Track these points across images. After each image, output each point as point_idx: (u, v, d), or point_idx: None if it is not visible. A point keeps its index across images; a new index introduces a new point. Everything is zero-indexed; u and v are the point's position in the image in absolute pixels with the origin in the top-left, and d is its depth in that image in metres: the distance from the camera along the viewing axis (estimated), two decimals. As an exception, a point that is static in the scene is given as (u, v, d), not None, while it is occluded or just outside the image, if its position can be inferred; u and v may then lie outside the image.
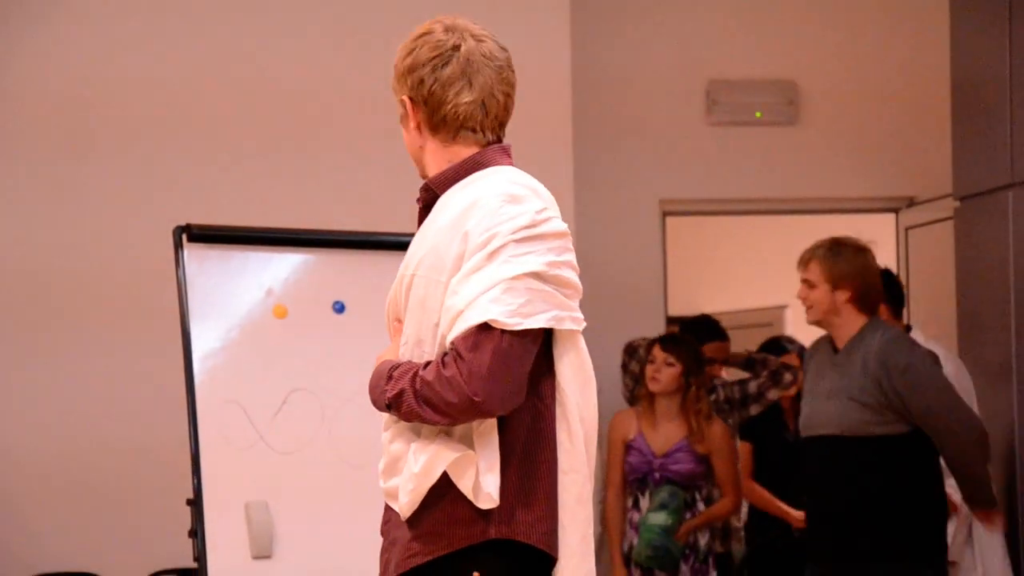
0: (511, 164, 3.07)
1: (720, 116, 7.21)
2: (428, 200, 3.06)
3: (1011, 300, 5.70)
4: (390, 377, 2.92)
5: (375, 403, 2.97)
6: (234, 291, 4.50)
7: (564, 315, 2.94)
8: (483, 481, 2.89)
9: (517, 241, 2.91)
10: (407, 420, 2.92)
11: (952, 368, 5.57)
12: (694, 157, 7.16)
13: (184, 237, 4.47)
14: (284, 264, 4.57)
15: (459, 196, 2.99)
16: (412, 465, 2.91)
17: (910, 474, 5.01)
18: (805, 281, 5.17)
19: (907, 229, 7.29)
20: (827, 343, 5.24)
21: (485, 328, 2.85)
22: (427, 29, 3.06)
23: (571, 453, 2.96)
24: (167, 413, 5.58)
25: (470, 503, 2.89)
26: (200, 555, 4.19)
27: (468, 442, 2.92)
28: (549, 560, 2.94)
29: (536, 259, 2.91)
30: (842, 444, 5.05)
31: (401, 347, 2.99)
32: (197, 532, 4.19)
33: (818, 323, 5.21)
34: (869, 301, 5.13)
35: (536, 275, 2.90)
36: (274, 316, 4.49)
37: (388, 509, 3.01)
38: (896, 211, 7.38)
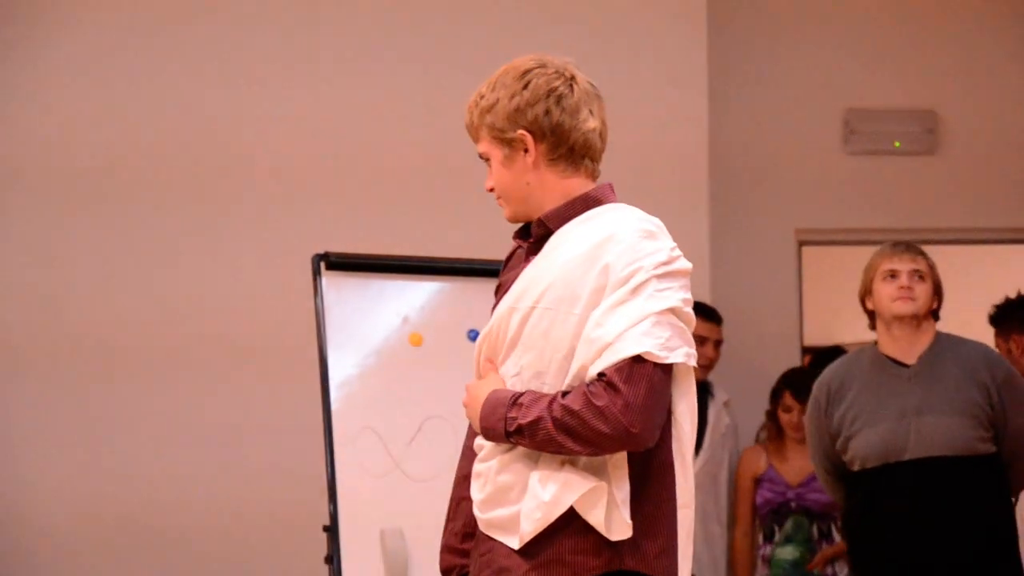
0: (618, 201, 3.09)
1: (858, 145, 7.13)
2: (541, 236, 3.07)
3: None
4: (517, 404, 2.92)
5: (489, 431, 2.96)
6: (370, 319, 4.55)
7: (692, 352, 2.97)
8: (620, 512, 2.90)
9: (659, 277, 2.94)
10: (539, 449, 2.92)
11: None
12: (831, 186, 7.09)
13: (322, 265, 4.53)
14: (420, 292, 4.62)
15: (584, 231, 3.00)
16: (540, 493, 2.91)
17: (1008, 498, 4.60)
18: (915, 272, 4.64)
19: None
20: (877, 358, 4.68)
21: (638, 360, 2.87)
22: (528, 66, 3.07)
23: (684, 488, 2.99)
24: (305, 440, 5.63)
25: (595, 533, 2.90)
26: (336, 581, 4.24)
27: (594, 472, 2.92)
28: None
29: (674, 295, 2.95)
30: (957, 466, 4.47)
31: (510, 379, 2.99)
32: (333, 559, 4.23)
33: (908, 319, 4.64)
34: (938, 314, 4.73)
35: (674, 311, 2.94)
36: (410, 344, 4.53)
37: (486, 540, 2.98)
38: (1040, 242, 7.26)
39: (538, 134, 3.04)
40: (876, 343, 4.70)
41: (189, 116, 6.26)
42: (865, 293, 4.71)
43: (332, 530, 4.25)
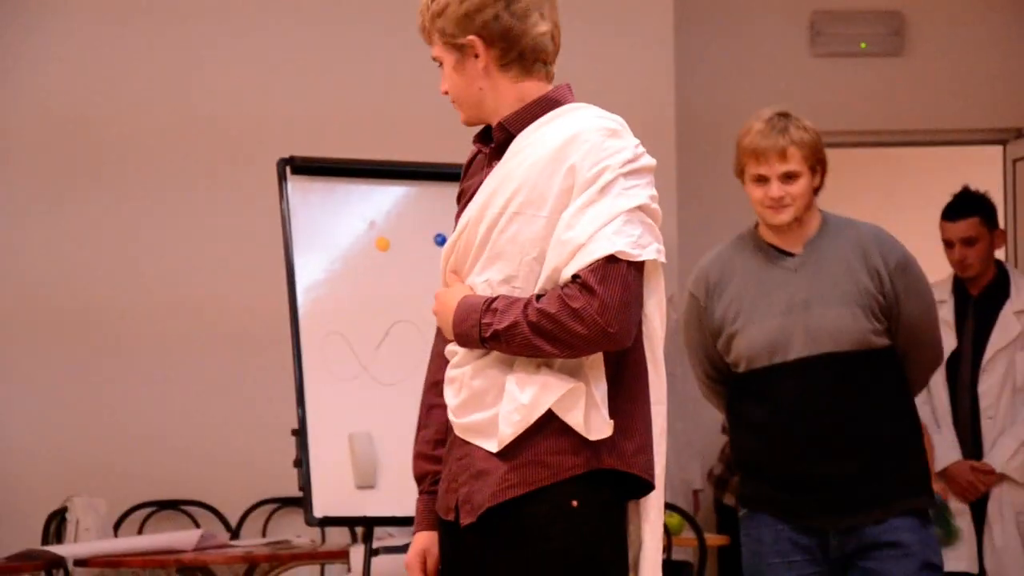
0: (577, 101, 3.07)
1: (824, 48, 7.13)
2: (503, 140, 3.05)
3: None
4: (491, 310, 2.92)
5: (462, 336, 2.96)
6: (337, 223, 4.53)
7: (662, 248, 2.97)
8: (599, 411, 2.91)
9: (625, 175, 2.92)
10: (515, 354, 2.92)
11: None
12: (797, 89, 7.08)
13: (288, 169, 4.50)
14: (386, 196, 4.60)
15: (547, 132, 2.98)
16: (518, 396, 2.91)
17: (908, 395, 4.21)
18: (786, 175, 4.13)
19: (1014, 161, 7.18)
20: (760, 246, 4.23)
21: (612, 260, 2.87)
22: None
23: (657, 385, 3.01)
24: (271, 344, 5.64)
25: (573, 433, 2.91)
26: (305, 484, 4.24)
27: (571, 373, 2.92)
28: (646, 489, 2.97)
29: (642, 192, 2.93)
30: (850, 362, 4.08)
31: (480, 286, 2.98)
32: (302, 462, 4.24)
33: (788, 226, 4.17)
34: (819, 191, 4.24)
35: (643, 208, 2.93)
36: (377, 248, 4.51)
37: (462, 444, 2.98)
38: (1004, 143, 7.27)
39: (488, 39, 3.00)
40: (757, 227, 4.27)
41: (157, 66, 6.26)
42: (738, 175, 4.23)
43: (301, 434, 4.26)
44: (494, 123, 3.05)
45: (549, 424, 2.91)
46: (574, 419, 2.90)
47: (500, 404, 2.93)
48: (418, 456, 3.16)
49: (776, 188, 4.12)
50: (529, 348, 2.89)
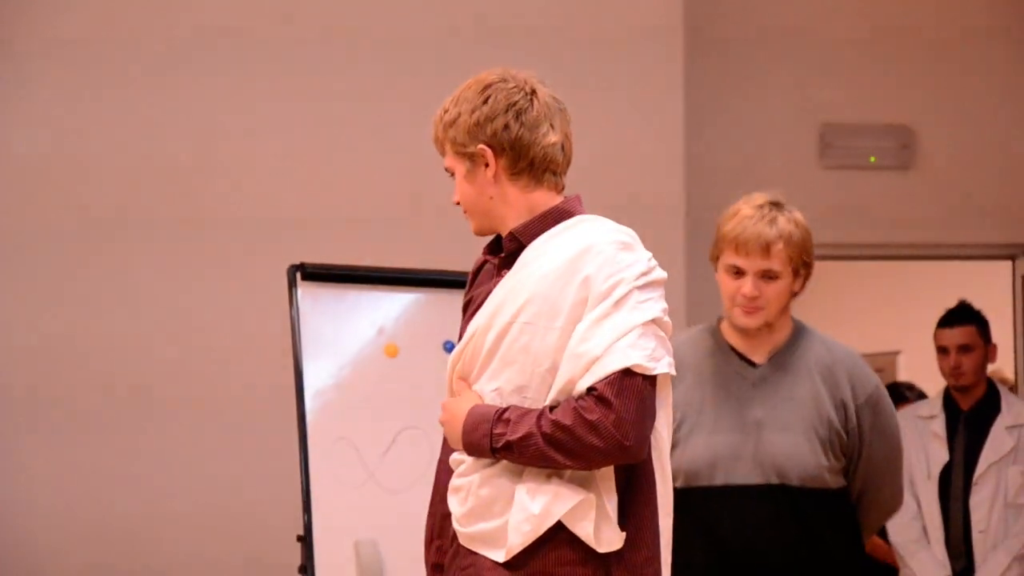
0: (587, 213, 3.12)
1: (833, 160, 7.17)
2: (513, 250, 3.08)
3: None
4: (503, 420, 2.93)
5: (472, 446, 2.97)
6: (346, 330, 4.55)
7: (672, 361, 3.00)
8: (610, 523, 2.92)
9: (640, 288, 2.96)
10: (528, 464, 2.93)
11: None
12: (806, 201, 7.07)
13: (298, 276, 4.53)
14: (395, 303, 4.62)
15: (559, 244, 3.02)
16: (529, 506, 2.92)
17: (859, 545, 3.81)
18: (765, 273, 3.71)
19: (1023, 277, 7.20)
20: (720, 346, 3.81)
21: (628, 373, 2.90)
22: (489, 80, 3.09)
23: (665, 497, 3.02)
24: (279, 451, 5.62)
25: (581, 544, 2.91)
26: (310, 591, 4.23)
27: (581, 484, 2.93)
28: None
29: (655, 306, 2.97)
30: (803, 499, 3.65)
31: (489, 395, 2.99)
32: (307, 569, 4.23)
33: (757, 330, 3.79)
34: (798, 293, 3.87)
35: (656, 321, 2.97)
36: (385, 355, 4.53)
37: (468, 554, 2.99)
38: (1013, 258, 7.28)
39: (498, 148, 3.05)
40: (720, 323, 3.91)
41: (158, 136, 6.27)
42: (712, 260, 3.90)
43: (306, 540, 4.25)
44: (504, 233, 3.08)
45: (557, 535, 2.92)
46: (584, 530, 2.91)
47: (508, 513, 2.94)
48: (434, 567, 3.16)
49: (751, 286, 3.71)
50: (542, 459, 2.90)
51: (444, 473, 3.15)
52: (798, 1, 7.17)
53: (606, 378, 2.89)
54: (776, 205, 3.80)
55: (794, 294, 3.80)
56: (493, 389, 2.99)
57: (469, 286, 3.21)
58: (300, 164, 6.32)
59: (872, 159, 7.19)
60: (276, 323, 5.07)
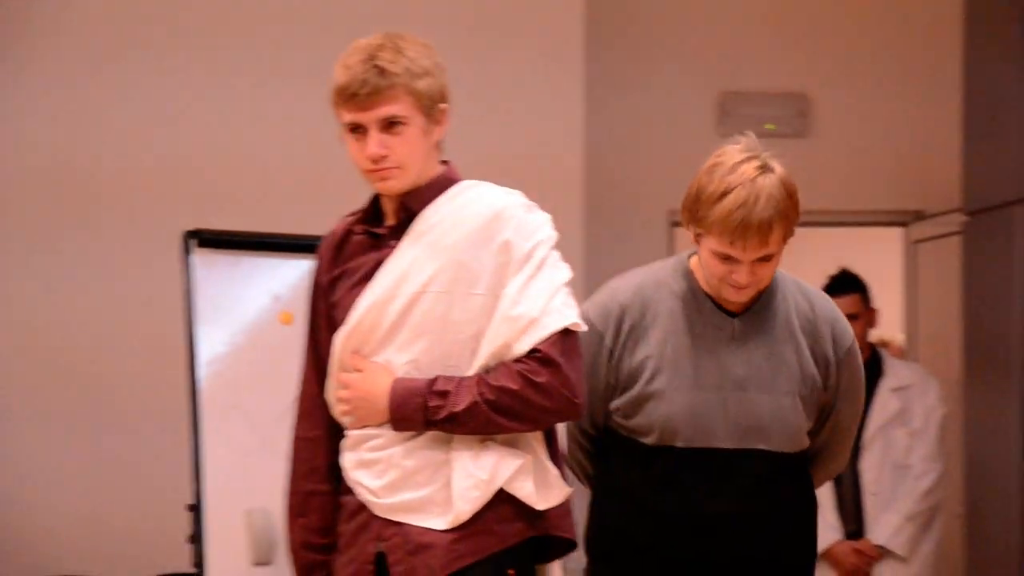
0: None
1: (731, 128, 7.20)
2: (403, 219, 3.06)
3: (1017, 316, 5.71)
4: (437, 392, 2.93)
5: (403, 420, 2.96)
6: (241, 297, 4.52)
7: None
8: (550, 481, 3.00)
9: (552, 248, 3.02)
10: (472, 433, 2.95)
11: (935, 392, 5.58)
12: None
13: (193, 243, 4.49)
14: (292, 270, 4.59)
15: (461, 210, 3.02)
16: (475, 472, 2.94)
17: (814, 511, 3.55)
18: (762, 258, 3.25)
19: (915, 243, 7.29)
20: (694, 293, 3.38)
21: (567, 332, 2.96)
22: (428, 43, 3.09)
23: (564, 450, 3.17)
24: (170, 417, 5.59)
25: (514, 501, 2.96)
26: (199, 561, 4.21)
27: (514, 445, 2.99)
28: (570, 548, 3.07)
29: (564, 264, 3.04)
30: (779, 466, 3.36)
31: (402, 367, 2.98)
32: (197, 538, 4.20)
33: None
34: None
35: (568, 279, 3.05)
36: (280, 322, 4.50)
37: (389, 525, 2.99)
38: (904, 225, 7.37)
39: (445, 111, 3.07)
40: (690, 266, 3.45)
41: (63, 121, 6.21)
42: (688, 224, 3.38)
43: (196, 509, 4.23)
44: (394, 197, 3.06)
45: (496, 494, 2.96)
46: (525, 491, 2.97)
47: (435, 482, 2.96)
48: (304, 546, 3.14)
49: (746, 274, 3.25)
50: (491, 426, 2.93)
51: (305, 450, 3.14)
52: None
53: (548, 339, 2.93)
54: (764, 168, 3.31)
55: None
56: (407, 361, 2.98)
57: (332, 258, 3.12)
58: (197, 134, 6.27)
59: (769, 126, 7.24)
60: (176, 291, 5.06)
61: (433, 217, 3.02)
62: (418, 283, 2.97)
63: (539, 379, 2.91)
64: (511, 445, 2.98)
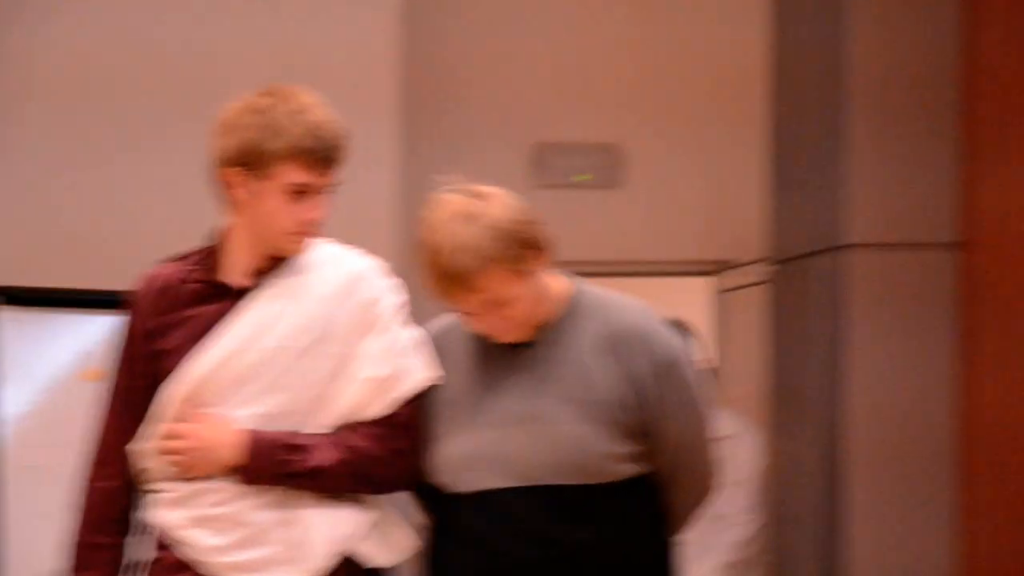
0: None
1: (545, 179, 7.28)
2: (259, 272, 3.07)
3: (818, 366, 5.83)
4: (296, 447, 2.92)
5: (256, 472, 2.94)
6: (47, 354, 4.46)
7: None
8: (402, 535, 3.08)
9: (399, 305, 3.10)
10: (325, 491, 2.95)
11: (753, 443, 5.68)
12: (520, 219, 7.20)
13: (1, 299, 4.43)
14: (99, 326, 4.54)
15: (324, 268, 3.06)
16: (334, 528, 2.95)
17: (661, 538, 3.22)
18: (489, 303, 3.06)
19: (721, 292, 7.42)
20: (470, 335, 3.16)
21: (419, 395, 3.02)
22: None
23: None
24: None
25: (357, 559, 2.99)
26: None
27: (365, 502, 3.02)
28: None
29: (413, 326, 3.14)
30: (586, 499, 3.06)
31: (243, 419, 2.97)
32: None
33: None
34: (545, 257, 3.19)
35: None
36: (86, 379, 4.45)
37: None
38: (713, 274, 7.50)
39: None
40: None
41: None
42: None
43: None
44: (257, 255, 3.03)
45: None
46: (375, 549, 3.03)
47: (286, 538, 2.94)
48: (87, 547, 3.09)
49: (487, 325, 3.09)
50: (346, 487, 2.95)
51: (100, 499, 3.10)
52: (509, 21, 7.27)
53: (405, 401, 2.99)
54: (469, 217, 3.12)
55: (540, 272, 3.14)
56: (257, 414, 2.96)
57: (155, 304, 3.09)
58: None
59: (583, 177, 7.32)
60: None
61: (292, 274, 3.03)
62: (275, 338, 2.98)
63: (399, 445, 2.97)
64: (362, 501, 3.01)
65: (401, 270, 6.50)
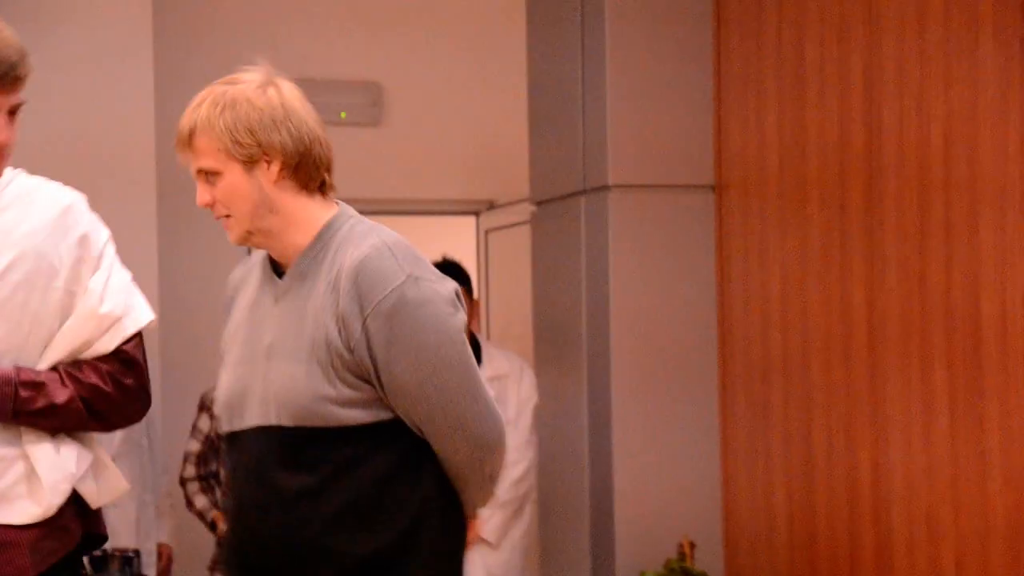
0: None
1: (306, 116, 7.22)
2: None
3: (583, 304, 5.90)
4: (30, 383, 2.83)
5: None
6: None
7: None
8: (113, 478, 2.97)
9: (109, 241, 2.97)
10: (56, 429, 2.87)
11: (529, 381, 5.72)
12: (278, 157, 7.13)
13: None
14: None
15: (31, 198, 2.91)
16: (65, 464, 2.87)
17: (405, 500, 2.94)
18: (210, 174, 2.98)
19: (487, 232, 7.46)
20: (264, 263, 3.05)
21: (139, 332, 2.93)
22: None
23: None
24: None
25: (79, 498, 2.91)
26: None
27: (84, 440, 2.94)
28: (102, 542, 3.05)
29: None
30: (288, 443, 2.89)
31: None
32: None
33: (246, 242, 3.02)
34: (310, 175, 3.03)
35: None
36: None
37: None
38: (477, 214, 7.54)
39: None
40: None
41: None
42: None
43: None
44: None
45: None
46: (90, 488, 2.93)
47: (9, 475, 2.84)
48: None
49: (199, 191, 3.00)
50: (79, 425, 2.88)
51: None
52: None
53: (131, 340, 2.90)
54: (230, 82, 3.04)
55: (275, 184, 2.96)
56: None
57: None
58: None
59: (343, 115, 7.28)
60: None
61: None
62: None
63: (128, 382, 2.90)
64: (79, 440, 2.93)
65: (160, 212, 6.45)
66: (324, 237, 2.96)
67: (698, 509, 5.78)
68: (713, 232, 5.87)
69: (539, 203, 6.28)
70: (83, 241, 2.90)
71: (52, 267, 2.87)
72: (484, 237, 7.49)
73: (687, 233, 5.86)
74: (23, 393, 2.84)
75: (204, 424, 5.79)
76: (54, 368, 2.88)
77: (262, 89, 3.06)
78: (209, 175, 2.97)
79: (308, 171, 3.03)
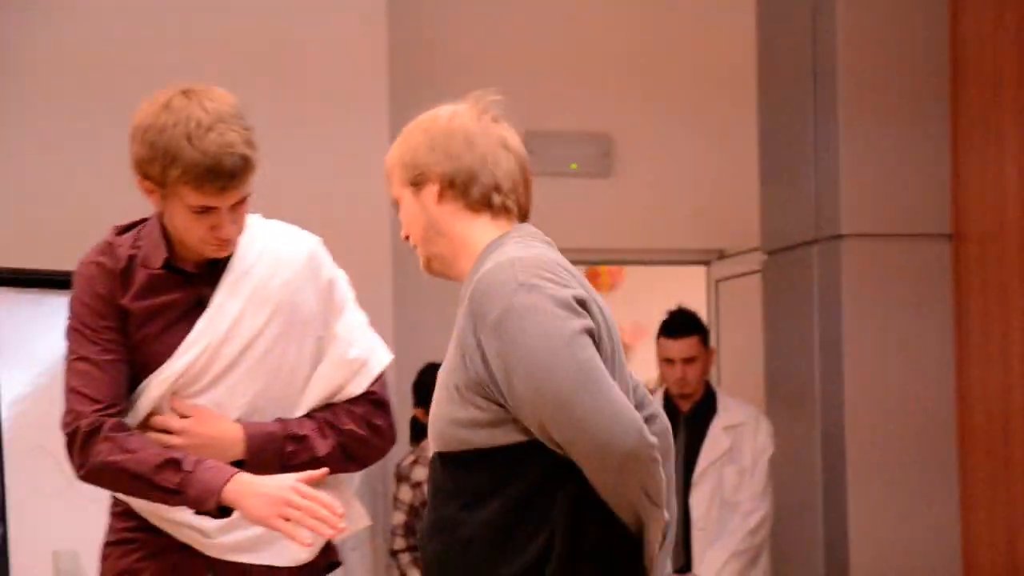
0: None
1: (536, 168, 7.26)
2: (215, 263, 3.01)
3: (815, 353, 5.84)
4: (294, 437, 2.94)
5: (261, 466, 2.91)
6: (44, 335, 4.42)
7: None
8: (355, 514, 3.12)
9: (348, 282, 3.09)
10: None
11: (766, 431, 5.67)
12: (512, 207, 7.19)
13: (-7, 279, 4.40)
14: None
15: (271, 250, 3.00)
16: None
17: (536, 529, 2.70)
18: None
19: (717, 282, 7.42)
20: None
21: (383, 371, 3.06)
22: None
23: None
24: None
25: None
26: (6, 604, 4.12)
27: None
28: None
29: None
30: (437, 468, 2.77)
31: (234, 409, 2.95)
32: (2, 580, 4.12)
33: (430, 270, 2.92)
34: (470, 192, 2.91)
35: None
36: (85, 361, 4.42)
37: (226, 565, 2.98)
38: (707, 264, 7.51)
39: None
40: None
41: None
42: None
43: (2, 551, 4.13)
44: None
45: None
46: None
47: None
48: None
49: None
50: (336, 471, 2.98)
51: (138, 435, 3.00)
52: (503, 11, 7.27)
53: (377, 381, 3.00)
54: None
55: (438, 204, 2.88)
56: (245, 402, 2.95)
57: (122, 284, 2.97)
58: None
59: (573, 166, 7.33)
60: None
61: (248, 256, 2.99)
62: (254, 326, 2.95)
63: (377, 422, 2.99)
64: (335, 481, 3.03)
65: (397, 255, 6.54)
66: (480, 260, 2.81)
67: (937, 560, 5.66)
68: (950, 281, 5.77)
69: (770, 252, 6.24)
70: (328, 287, 3.00)
71: (305, 317, 2.97)
72: (715, 287, 7.45)
73: (923, 282, 5.78)
74: (288, 448, 2.95)
75: (405, 495, 5.81)
76: (311, 416, 2.97)
77: (434, 115, 3.02)
78: (397, 204, 2.91)
79: (467, 189, 2.88)
